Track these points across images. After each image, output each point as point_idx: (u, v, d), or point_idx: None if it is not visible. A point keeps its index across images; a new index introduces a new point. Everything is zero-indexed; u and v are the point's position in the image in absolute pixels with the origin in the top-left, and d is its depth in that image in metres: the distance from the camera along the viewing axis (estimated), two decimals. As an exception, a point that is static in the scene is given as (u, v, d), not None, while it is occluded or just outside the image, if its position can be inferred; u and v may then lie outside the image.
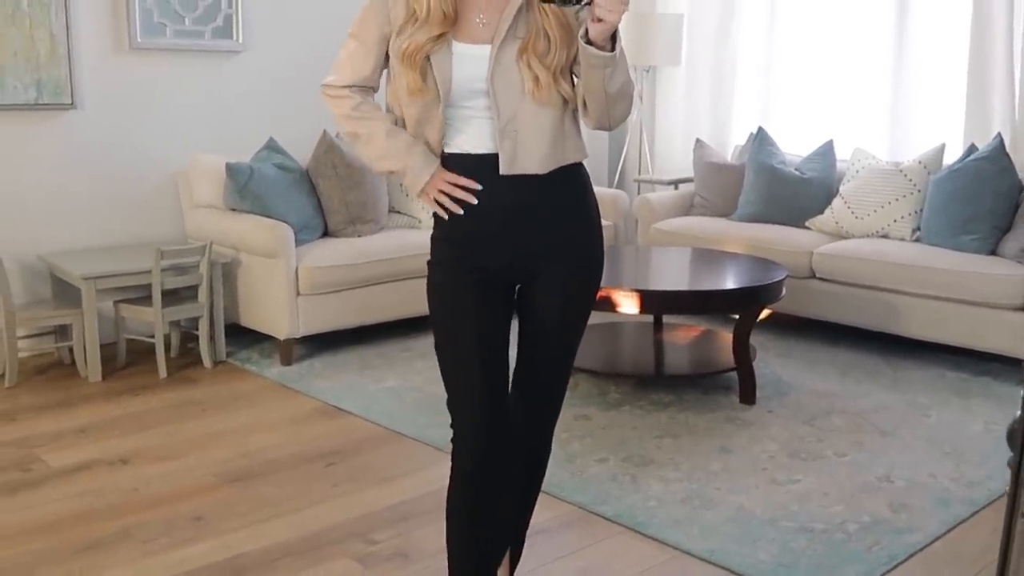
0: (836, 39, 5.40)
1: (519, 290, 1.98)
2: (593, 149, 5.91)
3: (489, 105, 1.83)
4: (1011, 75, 4.61)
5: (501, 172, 1.84)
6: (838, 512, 2.86)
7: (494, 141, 1.84)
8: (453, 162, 1.88)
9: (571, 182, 1.92)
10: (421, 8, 1.80)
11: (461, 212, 1.87)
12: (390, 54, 1.89)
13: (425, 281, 1.97)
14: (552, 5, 1.73)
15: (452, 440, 1.96)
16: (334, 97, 1.97)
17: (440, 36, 1.80)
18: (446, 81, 1.82)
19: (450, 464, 1.99)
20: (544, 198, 1.88)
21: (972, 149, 4.50)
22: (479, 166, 1.86)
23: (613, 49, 1.73)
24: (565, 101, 1.85)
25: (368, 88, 1.96)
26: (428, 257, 1.98)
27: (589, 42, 1.72)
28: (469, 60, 1.82)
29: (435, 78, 1.82)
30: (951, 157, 4.68)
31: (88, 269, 3.99)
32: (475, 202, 1.85)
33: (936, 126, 5.02)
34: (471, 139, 1.87)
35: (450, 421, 1.96)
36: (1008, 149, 4.37)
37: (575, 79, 1.86)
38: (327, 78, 1.98)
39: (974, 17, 4.72)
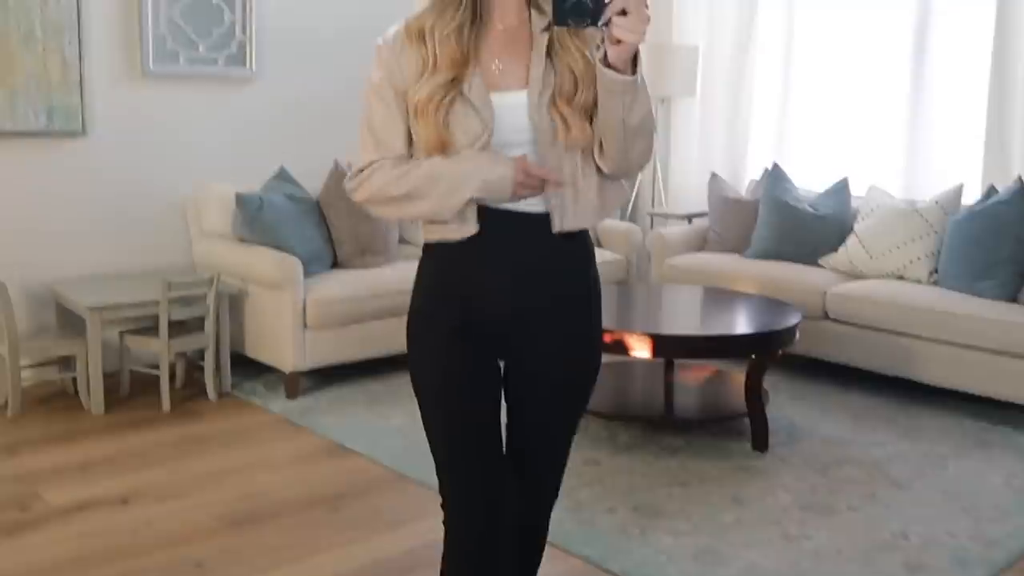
0: (853, 74, 5.35)
1: (509, 363, 1.82)
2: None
3: (530, 157, 1.68)
4: (1032, 118, 4.55)
5: (554, 230, 1.71)
6: (852, 572, 2.78)
7: (538, 200, 1.70)
8: (494, 221, 1.71)
9: (582, 242, 1.79)
10: (428, 55, 1.67)
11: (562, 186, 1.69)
12: (409, 113, 1.71)
13: None
14: (567, 27, 1.58)
15: (443, 515, 1.84)
16: (364, 180, 1.74)
17: (454, 81, 1.65)
18: (487, 126, 1.66)
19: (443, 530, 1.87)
20: (559, 255, 1.75)
21: (992, 191, 4.43)
22: (526, 226, 1.71)
23: (634, 73, 1.59)
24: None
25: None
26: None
27: (608, 65, 1.58)
28: (500, 109, 1.68)
29: (478, 123, 1.66)
30: (969, 198, 4.62)
31: (94, 299, 3.95)
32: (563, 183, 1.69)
33: (953, 165, 4.95)
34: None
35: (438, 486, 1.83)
36: (1029, 193, 4.30)
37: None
38: (353, 166, 1.77)
39: (994, 56, 4.67)
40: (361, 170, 1.75)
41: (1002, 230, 4.23)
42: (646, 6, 1.52)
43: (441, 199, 1.67)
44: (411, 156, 1.74)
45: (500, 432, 1.83)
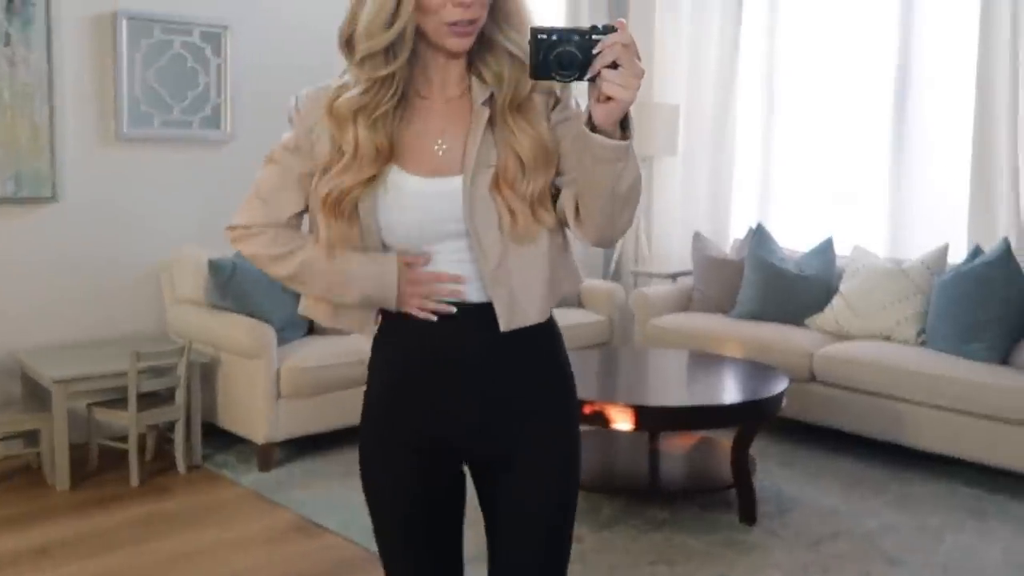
0: (835, 133, 5.32)
1: (482, 474, 1.65)
2: (589, 239, 5.79)
3: (470, 247, 1.52)
4: (1015, 177, 4.50)
5: (502, 328, 1.52)
6: (847, 659, 2.66)
7: (482, 290, 1.54)
8: (432, 322, 1.56)
9: (548, 327, 1.61)
10: (348, 143, 1.49)
11: (454, 310, 1.53)
12: (310, 201, 1.57)
13: None
14: (551, 81, 1.40)
15: None
16: (240, 239, 1.61)
17: (372, 179, 1.49)
18: (394, 226, 1.53)
19: None
20: (522, 348, 1.57)
21: (977, 251, 4.37)
22: (468, 320, 1.54)
23: (625, 136, 1.41)
24: (551, 228, 1.55)
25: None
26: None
27: (595, 129, 1.39)
28: (436, 198, 1.51)
29: (403, 219, 1.52)
30: (955, 257, 4.56)
31: (61, 371, 3.82)
32: (463, 288, 1.53)
33: (938, 225, 4.90)
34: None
35: None
36: (1015, 252, 4.24)
37: (557, 191, 1.56)
38: (232, 218, 1.62)
39: (976, 117, 4.63)
40: (242, 228, 1.61)
41: (989, 291, 4.16)
42: (638, 59, 1.35)
43: (324, 294, 1.58)
44: (298, 226, 1.63)
45: (459, 544, 1.70)
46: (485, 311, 1.54)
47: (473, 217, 1.50)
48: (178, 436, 4.02)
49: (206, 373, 4.22)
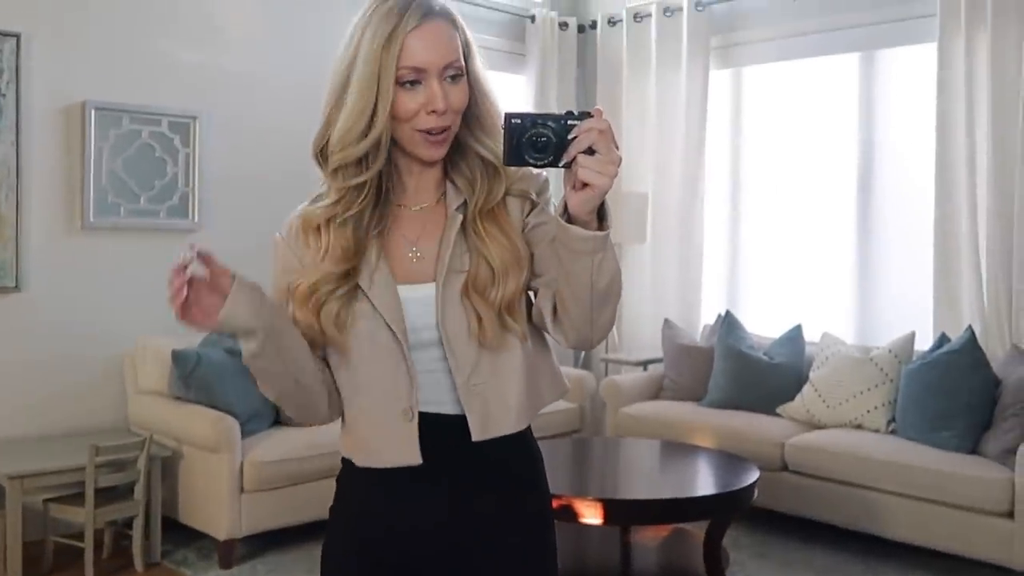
0: (799, 222, 5.41)
1: None
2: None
3: (442, 357, 1.48)
4: (978, 268, 4.55)
5: (474, 438, 1.47)
6: None
7: (453, 400, 1.49)
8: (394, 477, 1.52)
9: (527, 440, 1.57)
10: (321, 248, 1.49)
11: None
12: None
13: None
14: (526, 165, 1.35)
15: None
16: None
17: (347, 275, 1.47)
18: (393, 327, 1.48)
19: None
20: (491, 469, 1.52)
21: (944, 339, 4.40)
22: (442, 432, 1.49)
23: (602, 227, 1.36)
24: (521, 338, 1.50)
25: None
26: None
27: (571, 220, 1.35)
28: (409, 304, 1.48)
29: (381, 325, 1.48)
30: (922, 343, 4.58)
31: (16, 466, 3.72)
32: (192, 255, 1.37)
33: (905, 310, 4.95)
34: (427, 401, 1.50)
35: None
36: (980, 341, 4.27)
37: (532, 294, 1.54)
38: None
39: (937, 206, 4.69)
40: None
41: (956, 380, 4.17)
42: (615, 145, 1.32)
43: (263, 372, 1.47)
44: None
45: None
46: (459, 424, 1.49)
47: (445, 324, 1.47)
48: (136, 532, 3.91)
49: (167, 466, 4.12)
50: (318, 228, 1.50)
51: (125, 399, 4.48)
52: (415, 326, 1.49)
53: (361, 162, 1.47)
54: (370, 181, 1.48)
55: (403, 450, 1.49)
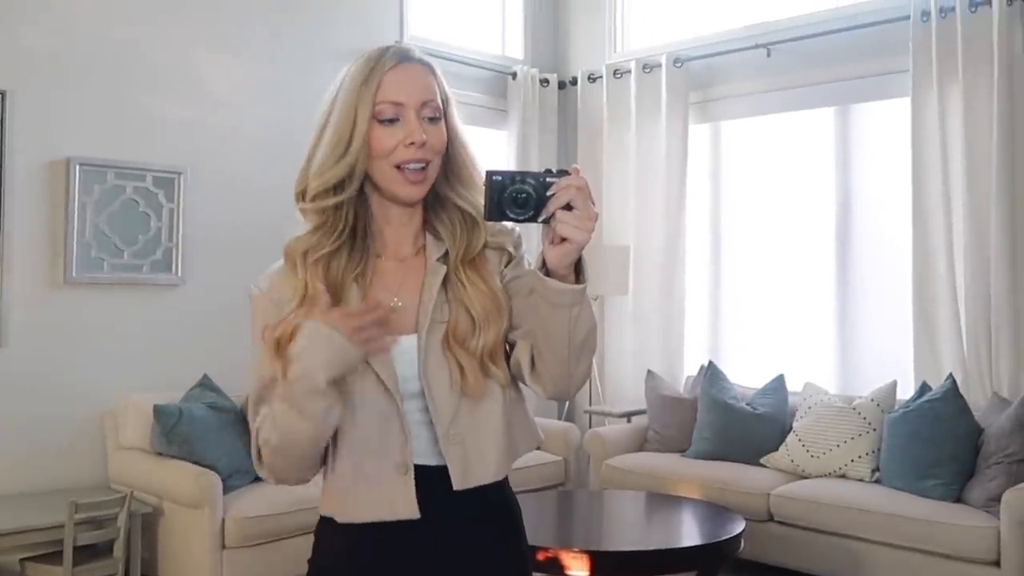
0: (780, 273, 5.47)
1: None
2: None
3: (423, 408, 1.48)
4: (957, 316, 4.61)
5: (455, 487, 1.47)
6: None
7: (435, 451, 1.49)
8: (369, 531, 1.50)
9: (505, 489, 1.58)
10: (300, 286, 1.46)
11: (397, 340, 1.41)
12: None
13: None
14: (507, 220, 1.39)
15: None
16: (258, 450, 1.48)
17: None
18: (382, 378, 1.46)
19: None
20: (486, 513, 1.54)
21: (925, 388, 4.42)
22: (426, 483, 1.48)
23: (579, 280, 1.40)
24: (503, 385, 1.52)
25: None
26: None
27: (549, 274, 1.38)
28: (394, 355, 1.47)
29: (370, 377, 1.46)
30: (904, 392, 4.61)
31: (-7, 524, 3.67)
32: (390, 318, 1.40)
33: (886, 358, 4.99)
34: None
35: None
36: (961, 390, 4.30)
37: (509, 348, 1.54)
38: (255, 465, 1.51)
39: (915, 255, 4.76)
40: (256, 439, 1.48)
41: (939, 429, 4.19)
42: (592, 201, 1.37)
43: (302, 406, 1.37)
44: None
45: None
46: (440, 475, 1.48)
47: (427, 375, 1.47)
48: (115, 592, 3.85)
49: (148, 523, 4.07)
50: (294, 265, 1.49)
51: (106, 455, 4.44)
52: (400, 376, 1.48)
53: (336, 188, 1.48)
54: (346, 212, 1.48)
55: (399, 504, 1.47)
